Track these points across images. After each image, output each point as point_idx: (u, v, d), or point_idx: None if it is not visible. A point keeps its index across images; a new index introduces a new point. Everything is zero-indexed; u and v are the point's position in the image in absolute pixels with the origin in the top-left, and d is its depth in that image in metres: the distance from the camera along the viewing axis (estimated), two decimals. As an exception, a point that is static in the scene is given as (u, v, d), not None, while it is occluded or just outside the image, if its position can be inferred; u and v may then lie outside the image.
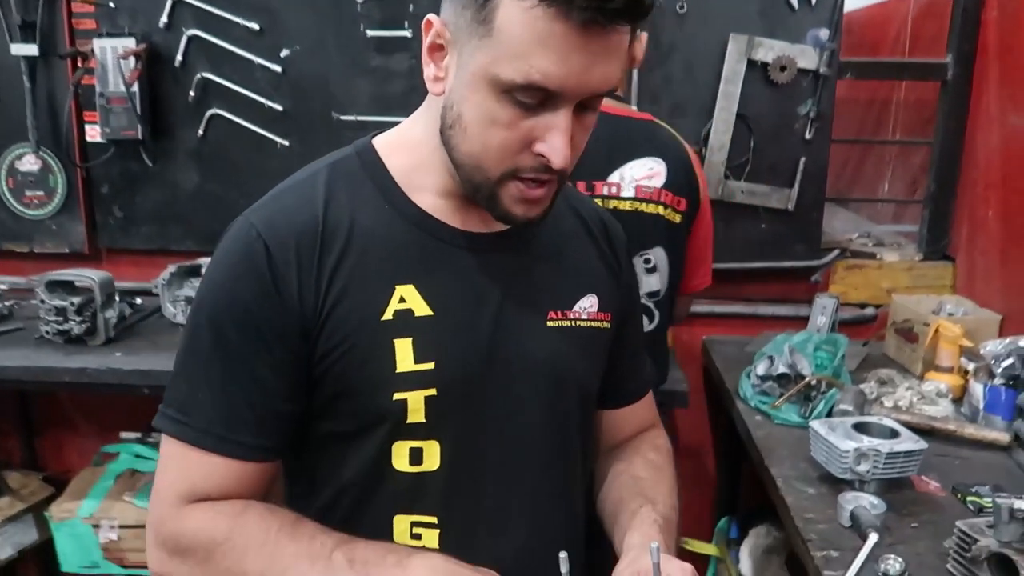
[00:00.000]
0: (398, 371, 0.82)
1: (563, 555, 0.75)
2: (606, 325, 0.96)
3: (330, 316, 0.81)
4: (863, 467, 1.33)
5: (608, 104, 1.34)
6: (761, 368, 1.76)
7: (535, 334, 0.90)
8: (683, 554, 2.15)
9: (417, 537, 0.86)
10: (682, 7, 2.06)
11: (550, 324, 0.91)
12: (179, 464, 0.83)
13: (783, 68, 2.06)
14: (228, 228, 0.86)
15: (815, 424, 1.42)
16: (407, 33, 2.10)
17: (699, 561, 2.22)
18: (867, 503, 1.26)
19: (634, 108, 1.80)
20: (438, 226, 0.87)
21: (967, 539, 1.10)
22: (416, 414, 0.83)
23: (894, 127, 2.64)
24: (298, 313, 0.81)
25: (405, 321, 0.83)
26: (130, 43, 2.12)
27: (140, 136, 2.16)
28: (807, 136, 2.10)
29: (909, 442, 1.36)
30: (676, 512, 0.95)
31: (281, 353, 0.82)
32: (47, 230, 2.32)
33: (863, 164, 2.80)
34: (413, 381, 0.83)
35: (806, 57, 2.06)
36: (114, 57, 2.12)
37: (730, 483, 2.29)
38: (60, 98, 2.22)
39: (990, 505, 1.25)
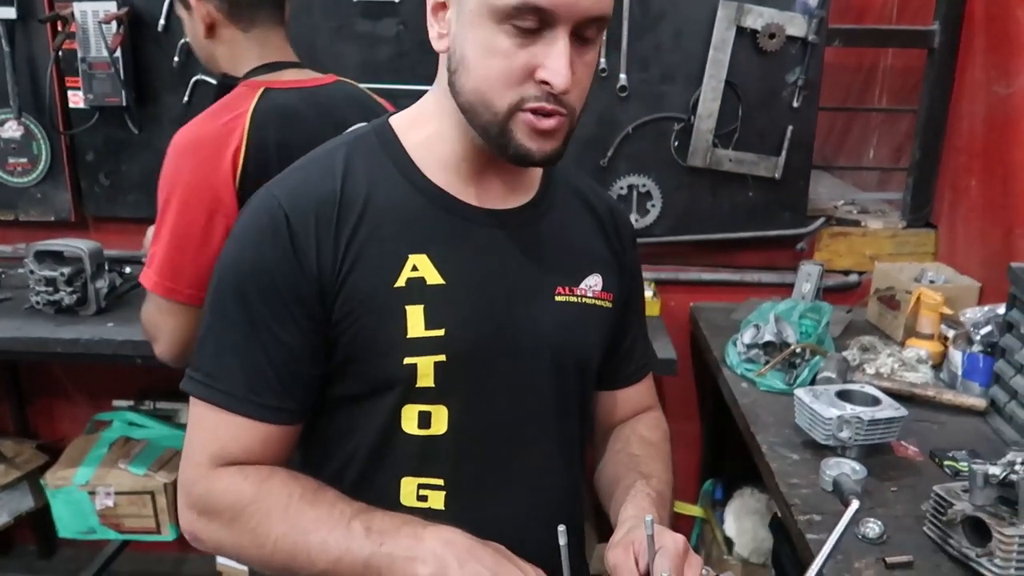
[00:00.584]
0: (409, 336, 0.85)
1: (561, 528, 0.78)
2: (608, 305, 0.99)
3: (346, 282, 0.85)
4: (845, 434, 1.37)
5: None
6: (747, 336, 1.80)
7: (543, 307, 0.92)
8: (672, 518, 2.21)
9: (423, 499, 0.90)
10: (672, -27, 2.04)
11: (558, 299, 0.94)
12: (208, 427, 0.87)
13: (772, 35, 2.06)
14: (251, 200, 0.90)
15: (799, 392, 1.46)
16: (395, -2, 2.08)
17: (685, 522, 2.29)
18: (849, 469, 1.31)
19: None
20: (452, 201, 0.90)
21: (943, 503, 1.15)
22: (425, 379, 0.86)
23: (880, 94, 2.66)
24: (316, 279, 0.84)
25: (417, 289, 0.86)
26: (111, 7, 2.08)
27: (125, 102, 2.14)
28: (795, 104, 2.11)
29: (890, 409, 1.40)
30: (670, 488, 0.99)
31: (302, 317, 0.85)
32: (32, 198, 2.30)
33: (849, 130, 2.81)
34: (423, 347, 0.86)
35: (795, 24, 2.05)
36: (95, 21, 2.08)
37: (716, 447, 2.34)
38: (41, 63, 2.18)
39: (966, 470, 1.30)
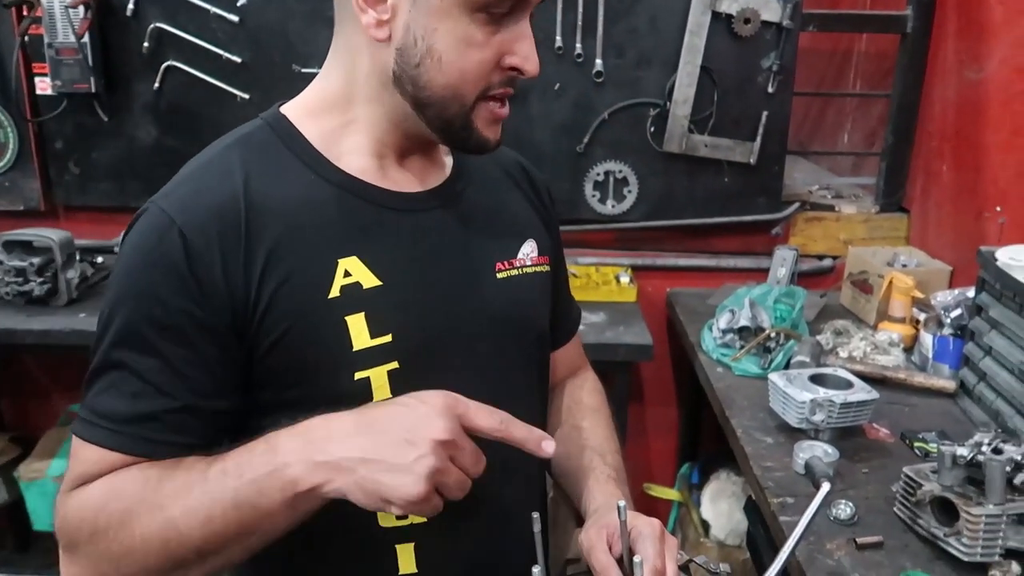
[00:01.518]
0: (355, 349, 0.78)
1: (535, 515, 0.79)
2: (546, 268, 0.97)
3: (272, 303, 0.76)
4: (818, 417, 1.39)
5: None
6: (723, 321, 1.81)
7: (487, 287, 0.88)
8: (647, 499, 2.23)
9: (403, 516, 0.82)
10: (647, -43, 2.04)
11: (499, 275, 0.90)
12: (85, 462, 0.76)
13: (747, 20, 2.06)
14: (135, 218, 0.78)
15: (773, 376, 1.48)
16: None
17: (663, 505, 2.31)
18: (821, 452, 1.33)
19: None
20: (371, 190, 0.83)
21: (912, 483, 1.17)
22: (381, 391, 0.79)
23: (855, 79, 2.67)
24: (226, 305, 0.75)
25: (354, 295, 0.79)
26: (79, -9, 2.04)
27: (93, 89, 2.09)
28: (770, 89, 2.12)
29: (862, 392, 1.42)
30: (620, 455, 1.00)
31: (209, 350, 0.75)
32: (0, 187, 2.26)
33: (823, 115, 2.83)
34: (373, 357, 0.79)
35: (770, 9, 2.06)
36: (62, 6, 2.04)
37: (692, 431, 2.36)
38: (6, 49, 2.13)
39: (935, 451, 1.32)
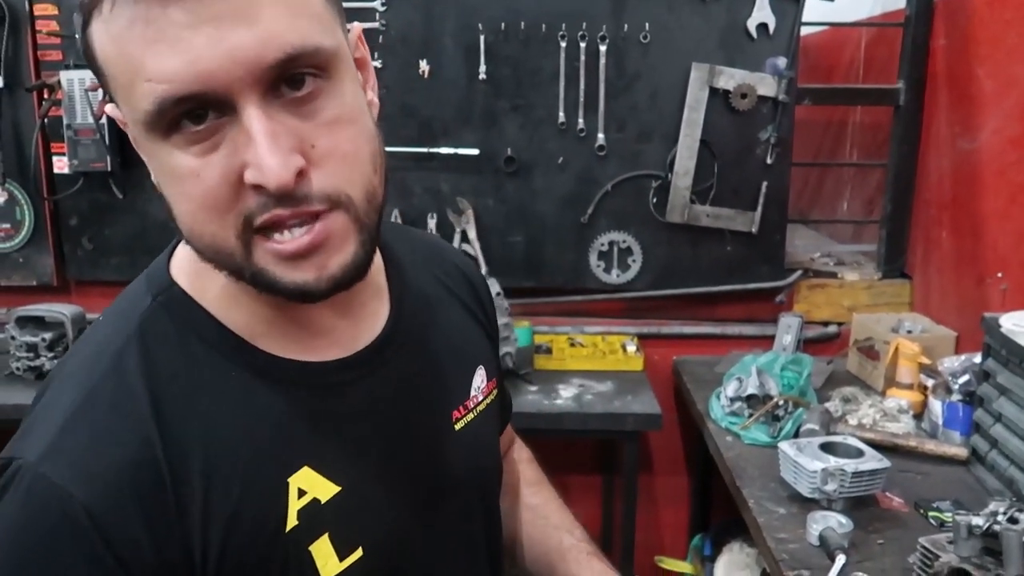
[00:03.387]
0: None
1: None
2: (495, 393, 0.86)
3: (222, 559, 0.60)
4: (830, 486, 1.37)
5: None
6: (730, 389, 1.81)
7: (449, 446, 0.76)
8: (659, 572, 2.19)
9: None
10: (645, 37, 2.12)
11: (457, 427, 0.77)
12: None
13: (744, 95, 2.12)
14: (3, 494, 0.57)
15: (783, 445, 1.47)
16: (378, 63, 2.13)
17: (674, 579, 2.26)
18: (835, 522, 1.31)
19: None
20: (300, 369, 0.65)
21: (929, 555, 1.15)
22: None
23: (851, 148, 2.73)
24: None
25: (313, 517, 0.64)
26: (98, 75, 2.11)
27: (109, 167, 2.16)
28: (768, 161, 2.17)
29: (873, 461, 1.41)
30: (579, 527, 0.95)
31: None
32: (14, 263, 2.29)
33: (822, 184, 2.88)
34: None
35: (765, 85, 2.13)
36: (81, 89, 2.12)
37: (703, 501, 2.33)
38: (27, 130, 2.20)
39: (951, 520, 1.31)
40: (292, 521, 0.63)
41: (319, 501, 0.64)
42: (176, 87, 0.52)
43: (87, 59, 0.57)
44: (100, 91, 2.11)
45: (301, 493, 0.63)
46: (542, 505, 0.98)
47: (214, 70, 0.52)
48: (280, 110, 0.54)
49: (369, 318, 0.71)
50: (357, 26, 0.66)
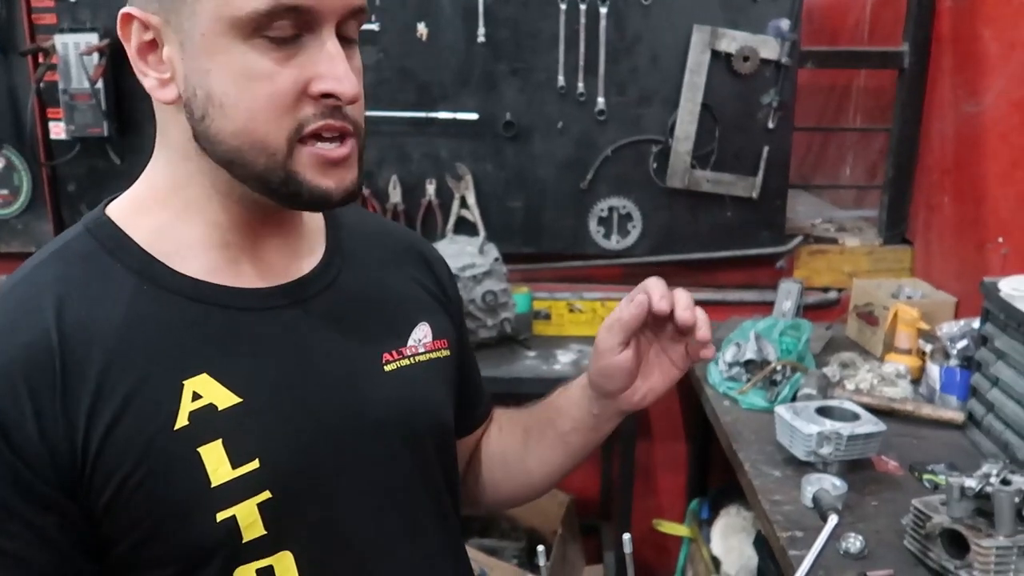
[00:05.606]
0: (214, 485, 0.66)
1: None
2: (446, 352, 0.85)
3: (103, 451, 0.63)
4: (826, 450, 1.38)
5: None
6: (729, 355, 1.82)
7: (373, 385, 0.76)
8: (657, 535, 2.22)
9: None
10: (647, -1, 2.09)
11: (388, 368, 0.78)
12: None
13: (746, 59, 2.10)
14: None
15: (780, 409, 1.48)
16: (375, 27, 2.10)
17: (672, 542, 2.29)
18: (829, 484, 1.32)
19: None
20: (220, 292, 0.70)
21: (922, 516, 1.16)
22: (253, 528, 0.67)
23: (854, 113, 2.70)
24: (48, 464, 0.62)
25: (207, 421, 0.66)
26: (93, 39, 2.09)
27: (106, 133, 2.14)
28: (770, 125, 2.15)
29: (869, 424, 1.42)
30: None
31: (43, 522, 0.63)
32: (13, 229, 2.29)
33: (825, 149, 2.86)
34: (237, 490, 0.66)
35: (768, 47, 2.10)
36: (77, 53, 2.09)
37: (701, 466, 2.35)
38: (22, 95, 2.19)
39: (944, 483, 1.32)
40: (183, 421, 0.66)
41: (215, 407, 0.67)
42: None
43: None
44: (95, 55, 2.08)
45: (196, 396, 0.67)
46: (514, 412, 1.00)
47: None
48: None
49: (299, 263, 0.77)
50: None
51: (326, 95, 0.65)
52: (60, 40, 2.09)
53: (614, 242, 2.23)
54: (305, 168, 0.66)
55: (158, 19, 0.65)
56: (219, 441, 0.66)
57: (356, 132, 0.68)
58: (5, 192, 2.26)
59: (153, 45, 0.66)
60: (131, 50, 0.67)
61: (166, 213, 0.71)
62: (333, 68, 0.64)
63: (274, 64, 0.63)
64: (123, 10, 0.66)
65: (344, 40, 0.66)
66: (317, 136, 0.66)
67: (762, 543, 1.80)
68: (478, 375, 1.00)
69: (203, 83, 0.64)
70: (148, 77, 0.67)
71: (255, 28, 0.62)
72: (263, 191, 0.68)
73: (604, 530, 2.38)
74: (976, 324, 1.61)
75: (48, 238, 2.27)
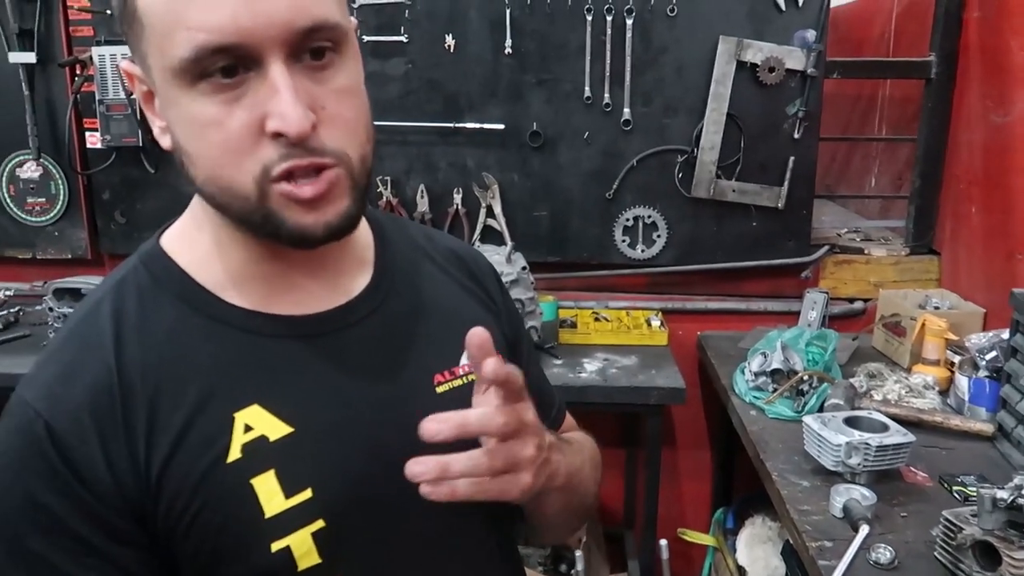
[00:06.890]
0: (268, 516, 0.67)
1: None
2: None
3: (162, 484, 0.65)
4: (854, 460, 1.38)
5: None
6: (755, 364, 1.82)
7: (426, 407, 0.70)
8: (682, 544, 2.21)
9: None
10: (672, 10, 2.10)
11: (439, 390, 0.77)
12: None
13: (772, 69, 2.10)
14: (2, 417, 0.68)
15: (808, 419, 1.48)
16: (403, 38, 2.13)
17: (697, 551, 2.29)
18: (858, 495, 1.32)
19: None
20: (268, 321, 0.71)
21: (952, 527, 1.16)
22: (308, 558, 0.68)
23: (880, 123, 2.70)
24: (119, 498, 0.65)
25: (259, 452, 0.67)
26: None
27: (141, 143, 2.19)
28: (796, 135, 2.15)
29: (898, 435, 1.42)
30: (584, 458, 0.87)
31: (116, 548, 0.65)
32: (49, 236, 2.34)
33: (850, 159, 2.85)
34: (291, 521, 0.67)
35: (793, 58, 2.10)
36: (113, 64, 2.15)
37: (726, 475, 2.35)
38: (60, 105, 2.24)
39: (975, 494, 1.31)
40: (235, 454, 0.67)
41: (267, 439, 0.68)
42: (215, 37, 0.59)
43: (123, 14, 0.64)
44: (131, 67, 2.13)
45: (248, 428, 0.68)
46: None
47: (251, 27, 0.59)
48: (298, 73, 0.62)
49: (347, 284, 0.76)
50: (353, 20, 0.73)
51: (276, 134, 0.61)
52: (97, 52, 2.14)
53: (639, 251, 2.24)
54: (280, 206, 0.64)
55: (141, 73, 0.66)
56: (272, 471, 0.67)
57: (339, 160, 0.64)
58: (42, 200, 2.31)
59: (151, 95, 0.67)
60: (139, 98, 0.69)
61: (206, 240, 0.72)
62: (277, 104, 0.60)
63: (222, 107, 0.61)
64: (121, 63, 0.69)
65: (315, 60, 0.63)
66: (283, 176, 0.63)
67: (790, 553, 1.80)
68: (544, 382, 0.96)
69: (175, 132, 0.66)
70: (154, 124, 0.69)
71: (196, 74, 0.60)
72: (250, 231, 0.67)
73: (628, 538, 2.38)
74: (1005, 335, 1.60)
75: (83, 245, 2.33)
